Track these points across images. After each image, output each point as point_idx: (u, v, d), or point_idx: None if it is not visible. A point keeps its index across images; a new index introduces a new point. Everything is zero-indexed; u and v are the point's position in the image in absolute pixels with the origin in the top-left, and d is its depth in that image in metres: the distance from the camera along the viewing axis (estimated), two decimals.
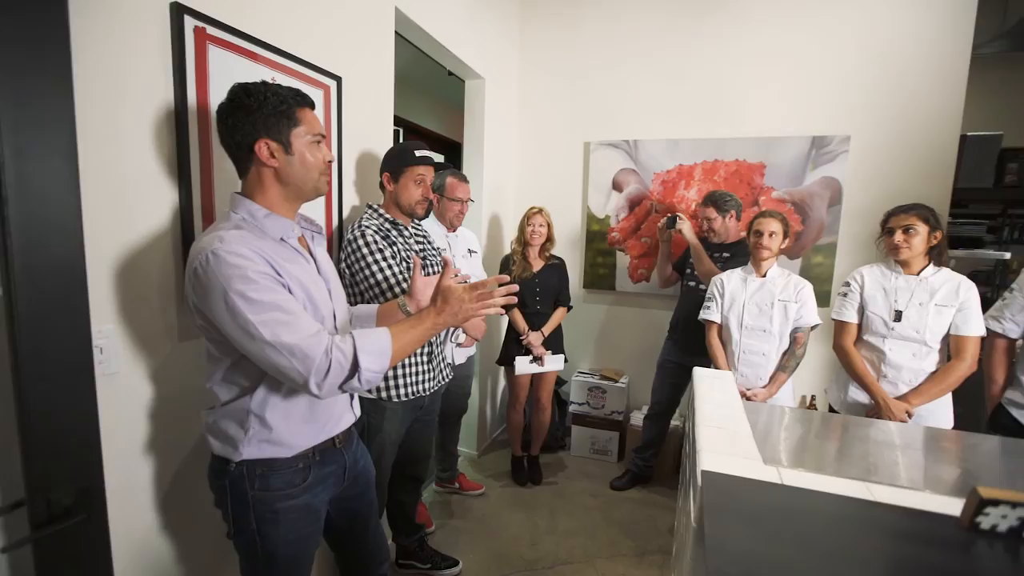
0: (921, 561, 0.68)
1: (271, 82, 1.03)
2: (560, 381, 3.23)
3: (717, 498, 0.78)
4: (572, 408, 3.13)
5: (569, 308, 2.72)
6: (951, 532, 0.72)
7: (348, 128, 1.76)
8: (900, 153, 2.58)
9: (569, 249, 3.19)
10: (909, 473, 1.17)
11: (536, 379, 2.74)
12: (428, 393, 1.70)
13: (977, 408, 1.94)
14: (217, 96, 1.23)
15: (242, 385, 1.01)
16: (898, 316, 1.78)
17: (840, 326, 1.92)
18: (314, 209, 1.61)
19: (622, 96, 3.02)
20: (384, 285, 1.50)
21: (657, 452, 2.80)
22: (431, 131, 4.45)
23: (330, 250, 1.68)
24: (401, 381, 1.62)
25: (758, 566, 0.62)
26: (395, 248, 1.58)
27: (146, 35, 1.12)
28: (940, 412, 1.78)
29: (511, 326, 2.69)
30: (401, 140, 3.71)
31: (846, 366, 1.90)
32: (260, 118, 0.97)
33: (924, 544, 0.72)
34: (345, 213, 1.78)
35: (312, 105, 1.07)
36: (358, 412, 1.24)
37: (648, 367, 3.11)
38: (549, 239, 2.65)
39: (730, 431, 1.05)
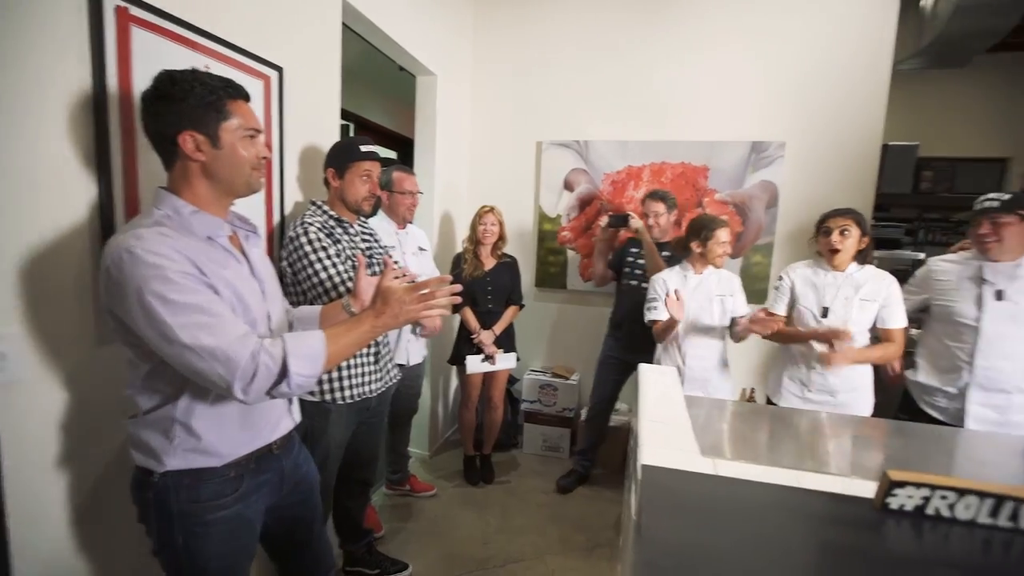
0: (838, 542, 0.73)
1: (203, 70, 0.98)
2: (512, 379, 3.24)
3: (654, 491, 0.80)
4: (524, 406, 3.15)
5: (521, 306, 2.74)
6: (866, 513, 0.77)
7: (290, 121, 1.69)
8: (830, 159, 2.75)
9: (521, 248, 3.20)
10: (836, 460, 1.25)
11: (488, 378, 2.74)
12: (375, 394, 1.67)
13: (892, 397, 2.10)
14: (142, 83, 1.15)
15: (164, 392, 0.95)
16: (825, 312, 1.89)
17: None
18: (253, 206, 1.54)
19: (574, 96, 3.06)
20: (328, 284, 1.46)
21: (596, 451, 2.86)
22: (382, 127, 4.36)
23: (271, 249, 1.61)
24: (347, 383, 1.57)
25: (690, 555, 0.64)
26: (340, 246, 1.53)
27: (61, 14, 1.03)
28: (862, 399, 1.91)
29: (463, 325, 2.67)
30: (351, 136, 3.62)
31: (783, 339, 1.98)
32: (185, 109, 0.92)
33: (843, 526, 0.76)
34: (287, 210, 1.71)
35: (246, 97, 1.02)
36: (298, 417, 1.20)
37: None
38: (501, 237, 2.65)
39: (670, 425, 1.08)
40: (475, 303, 2.62)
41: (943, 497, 0.75)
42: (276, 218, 1.65)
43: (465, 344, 2.66)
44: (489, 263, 2.64)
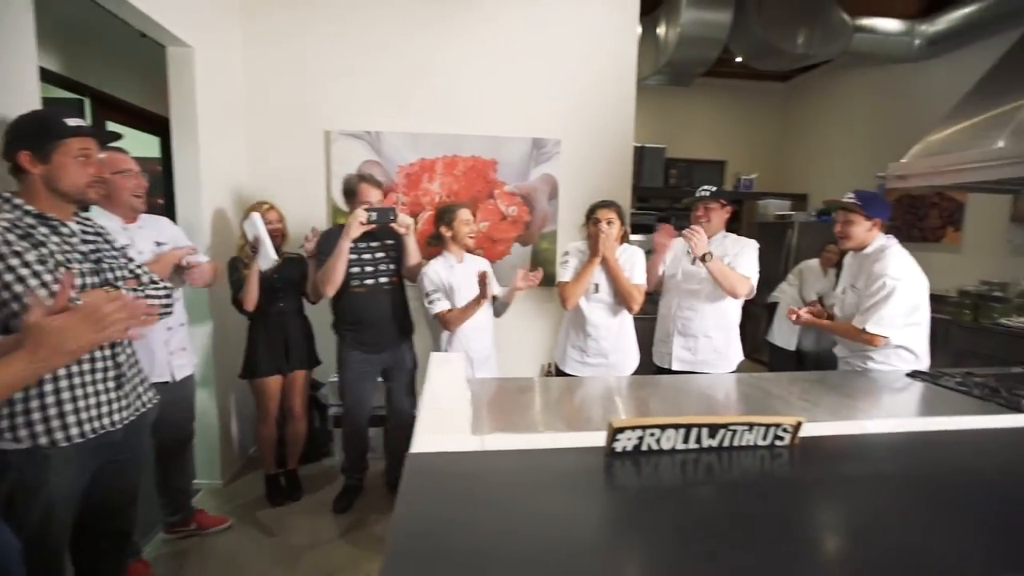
0: (576, 487, 0.84)
1: None
2: (316, 384, 3.04)
3: (419, 478, 0.82)
4: (333, 411, 2.97)
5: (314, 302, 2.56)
6: (600, 459, 0.90)
7: None
8: (596, 157, 3.16)
9: None
10: (601, 417, 1.45)
11: (286, 387, 2.51)
12: (120, 426, 1.38)
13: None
14: None
15: None
16: (596, 288, 2.18)
17: (563, 286, 2.22)
18: None
19: (364, 86, 2.95)
20: (19, 303, 1.14)
21: (364, 461, 2.60)
22: (133, 104, 3.61)
23: None
24: (72, 418, 1.26)
25: (440, 534, 0.67)
26: (44, 251, 1.22)
27: None
28: (628, 358, 2.26)
29: (253, 330, 2.40)
30: (90, 113, 2.94)
31: (574, 282, 2.15)
32: None
33: (582, 474, 0.88)
34: None
35: None
36: None
37: None
38: (282, 236, 2.45)
39: (447, 410, 1.12)
40: (263, 306, 2.36)
41: (652, 435, 0.91)
42: None
43: (264, 353, 2.40)
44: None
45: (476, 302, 2.16)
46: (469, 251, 2.38)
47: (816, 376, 1.90)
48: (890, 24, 4.05)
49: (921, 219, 4.20)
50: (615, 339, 2.21)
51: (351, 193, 2.31)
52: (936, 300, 4.01)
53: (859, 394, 1.62)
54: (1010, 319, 3.02)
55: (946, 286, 3.84)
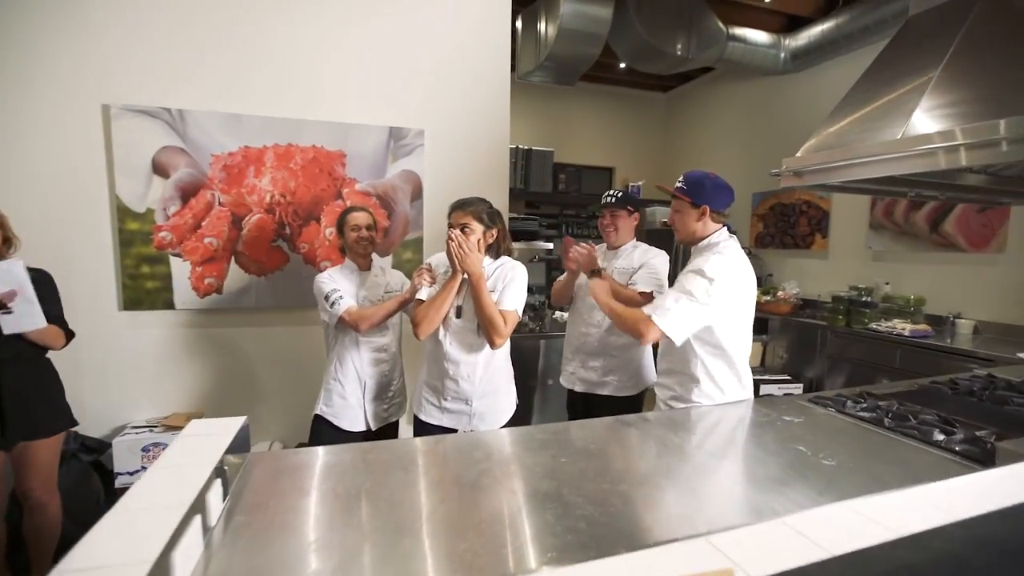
0: None
1: None
2: (102, 445, 2.25)
3: None
4: (120, 481, 2.21)
5: (69, 334, 1.81)
6: None
7: None
8: (468, 153, 2.72)
9: (88, 257, 2.23)
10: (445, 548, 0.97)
11: (17, 463, 1.73)
12: None
13: None
14: None
15: None
16: (459, 312, 1.72)
17: (416, 308, 1.71)
18: None
19: (159, 47, 2.25)
20: None
21: None
22: None
23: None
24: None
25: None
26: None
27: None
28: (500, 403, 1.80)
29: None
30: None
31: (429, 304, 1.68)
32: None
33: None
34: None
35: None
36: None
37: (238, 395, 2.49)
38: (10, 243, 1.71)
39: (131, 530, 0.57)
40: None
41: None
42: None
43: None
44: None
45: (401, 299, 1.84)
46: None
47: (661, 421, 1.39)
48: (760, 36, 4.13)
49: (792, 226, 4.31)
50: (480, 380, 1.73)
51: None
52: (810, 305, 4.23)
53: (756, 454, 1.25)
54: (879, 324, 3.07)
55: (818, 291, 3.94)
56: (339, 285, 1.85)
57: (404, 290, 1.95)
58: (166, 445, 2.24)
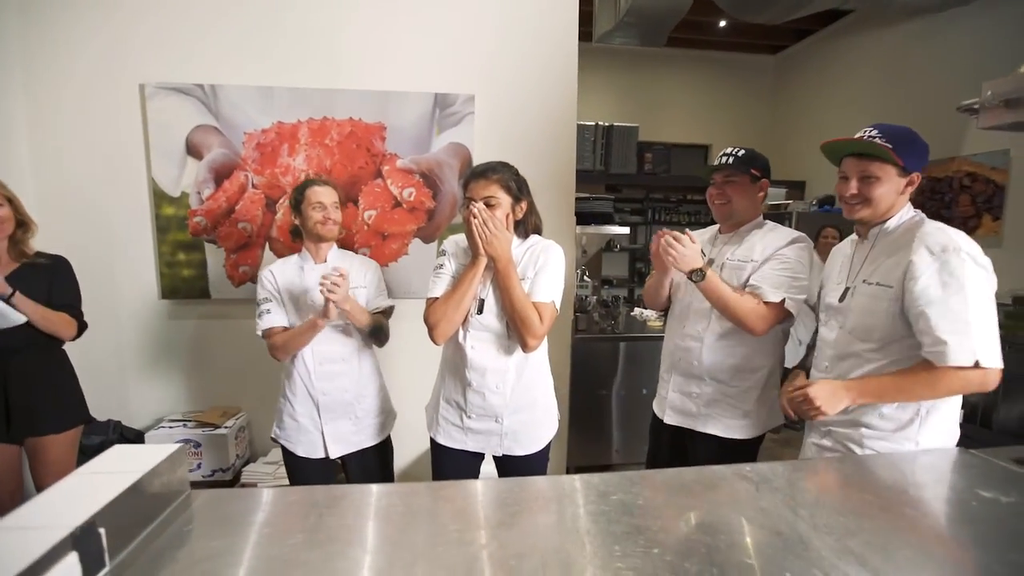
0: None
1: None
2: (139, 437, 2.18)
3: None
4: None
5: (82, 325, 1.69)
6: None
7: None
8: (525, 124, 2.32)
9: (131, 242, 2.16)
10: None
11: (30, 458, 1.65)
12: None
13: None
14: None
15: None
16: (480, 307, 1.34)
17: (431, 305, 1.36)
18: None
19: (192, 21, 2.11)
20: None
21: None
22: None
23: None
24: None
25: None
26: None
27: None
28: (540, 420, 1.41)
29: None
30: None
31: (446, 299, 1.32)
32: None
33: None
34: None
35: None
36: None
37: (276, 391, 2.31)
38: (25, 227, 1.60)
39: None
40: None
41: None
42: None
43: None
44: (6, 267, 1.56)
45: (311, 324, 1.46)
46: (345, 247, 1.62)
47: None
48: None
49: (948, 206, 3.40)
50: (512, 391, 1.35)
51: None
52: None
53: None
54: None
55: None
56: (278, 290, 1.54)
57: (366, 282, 1.61)
58: (197, 443, 2.11)
